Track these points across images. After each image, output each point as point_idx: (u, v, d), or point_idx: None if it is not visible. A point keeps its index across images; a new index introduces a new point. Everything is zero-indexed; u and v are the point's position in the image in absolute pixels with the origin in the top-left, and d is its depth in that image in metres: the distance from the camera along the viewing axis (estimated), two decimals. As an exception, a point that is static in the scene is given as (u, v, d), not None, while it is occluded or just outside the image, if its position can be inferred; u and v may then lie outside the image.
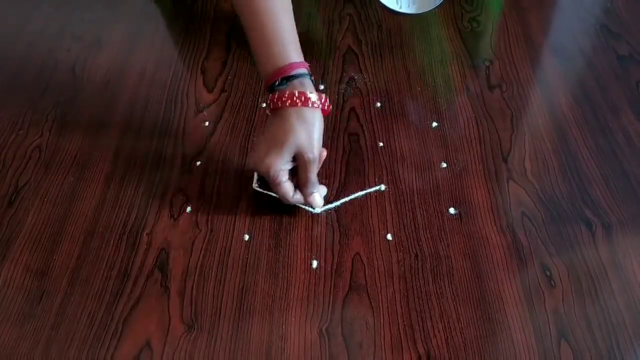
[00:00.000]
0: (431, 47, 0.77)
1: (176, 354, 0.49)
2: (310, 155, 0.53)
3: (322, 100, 0.54)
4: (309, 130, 0.52)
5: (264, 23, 0.54)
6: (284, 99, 0.52)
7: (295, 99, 0.52)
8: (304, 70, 0.54)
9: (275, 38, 0.54)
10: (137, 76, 0.74)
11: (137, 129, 0.67)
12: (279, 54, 0.54)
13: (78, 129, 0.68)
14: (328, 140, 0.65)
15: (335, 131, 0.66)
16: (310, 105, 0.52)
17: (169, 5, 0.85)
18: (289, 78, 0.53)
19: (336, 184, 0.61)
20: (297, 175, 0.56)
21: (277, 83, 0.53)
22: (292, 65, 0.53)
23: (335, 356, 0.49)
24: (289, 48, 0.54)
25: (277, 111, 0.53)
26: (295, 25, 0.55)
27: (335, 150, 0.64)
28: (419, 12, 0.73)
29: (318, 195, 0.57)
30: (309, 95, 0.52)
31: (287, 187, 0.55)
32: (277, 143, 0.53)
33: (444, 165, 0.63)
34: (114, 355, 0.49)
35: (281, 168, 0.54)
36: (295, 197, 0.56)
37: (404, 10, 0.73)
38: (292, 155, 0.53)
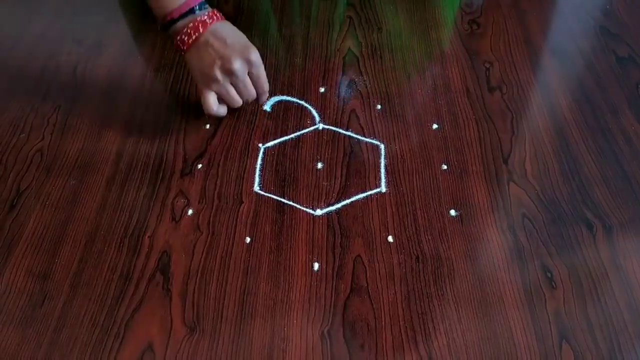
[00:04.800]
0: (431, 49, 0.77)
1: (178, 356, 0.50)
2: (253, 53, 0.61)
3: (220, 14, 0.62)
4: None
5: None
6: (214, 16, 0.61)
7: (213, 16, 0.61)
8: None
9: None
10: (138, 79, 0.74)
11: (139, 132, 0.67)
12: None
13: (79, 132, 0.68)
14: (329, 142, 0.66)
15: (336, 133, 0.67)
16: (222, 18, 0.62)
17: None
18: (202, 4, 0.61)
19: (337, 186, 0.61)
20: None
21: (196, 8, 0.60)
22: None
23: (337, 358, 0.49)
24: None
25: (211, 27, 0.60)
26: None
27: (336, 152, 0.65)
28: None
29: None
30: (217, 13, 0.62)
31: None
32: (242, 36, 0.62)
33: (445, 167, 0.63)
34: (117, 358, 0.49)
35: None
36: None
37: None
38: None
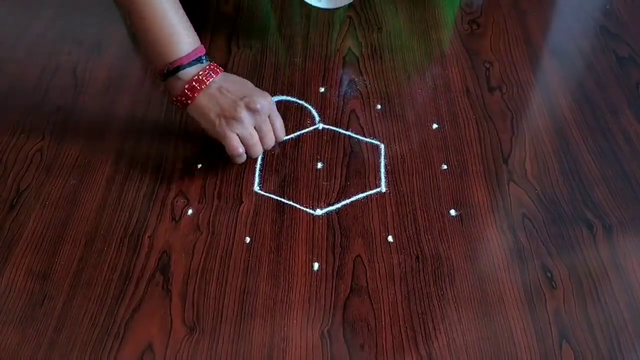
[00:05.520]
0: (431, 49, 0.77)
1: (178, 356, 0.49)
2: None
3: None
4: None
5: (159, 14, 0.58)
6: (215, 69, 0.59)
7: (216, 68, 0.60)
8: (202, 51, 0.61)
9: (175, 25, 0.58)
10: (137, 79, 0.74)
11: (138, 132, 0.67)
12: (185, 39, 0.59)
13: (79, 132, 0.68)
14: (329, 142, 0.66)
15: (336, 133, 0.67)
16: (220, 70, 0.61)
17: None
18: (206, 57, 0.60)
19: (337, 186, 0.61)
20: None
21: (204, 58, 0.60)
22: (200, 49, 0.60)
23: (337, 358, 0.49)
24: (187, 34, 0.60)
25: (222, 74, 0.60)
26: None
27: (336, 152, 0.65)
28: (335, 6, 0.79)
29: None
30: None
31: None
32: (250, 82, 0.61)
33: (445, 166, 0.63)
34: (116, 358, 0.49)
35: None
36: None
37: (323, 5, 0.78)
38: None
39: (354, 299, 0.53)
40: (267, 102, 0.59)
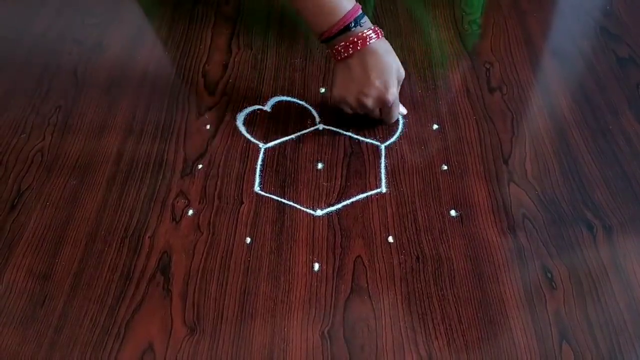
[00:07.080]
0: (431, 50, 0.77)
1: (178, 356, 0.50)
2: (403, 72, 0.62)
3: (380, 30, 0.61)
4: (394, 54, 0.62)
5: None
6: (366, 37, 0.59)
7: (371, 34, 0.60)
8: (361, 10, 0.61)
9: None
10: (138, 80, 0.74)
11: (139, 133, 0.68)
12: (341, 1, 0.60)
13: (80, 132, 0.68)
14: (329, 142, 0.66)
15: (336, 133, 0.67)
16: (381, 36, 0.61)
17: (170, 9, 0.85)
18: (358, 19, 0.60)
19: (337, 186, 0.61)
20: None
21: (352, 25, 0.59)
22: (356, 8, 0.60)
23: (337, 359, 0.49)
24: None
25: (362, 50, 0.60)
26: None
27: (337, 152, 0.65)
28: None
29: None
30: (376, 30, 0.60)
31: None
32: (387, 72, 0.60)
33: (445, 167, 0.63)
34: (117, 358, 0.50)
35: None
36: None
37: None
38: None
39: (354, 299, 0.53)
40: (393, 98, 0.61)
